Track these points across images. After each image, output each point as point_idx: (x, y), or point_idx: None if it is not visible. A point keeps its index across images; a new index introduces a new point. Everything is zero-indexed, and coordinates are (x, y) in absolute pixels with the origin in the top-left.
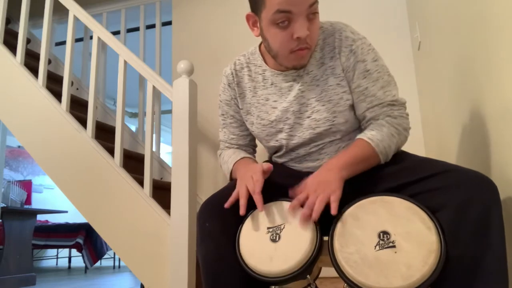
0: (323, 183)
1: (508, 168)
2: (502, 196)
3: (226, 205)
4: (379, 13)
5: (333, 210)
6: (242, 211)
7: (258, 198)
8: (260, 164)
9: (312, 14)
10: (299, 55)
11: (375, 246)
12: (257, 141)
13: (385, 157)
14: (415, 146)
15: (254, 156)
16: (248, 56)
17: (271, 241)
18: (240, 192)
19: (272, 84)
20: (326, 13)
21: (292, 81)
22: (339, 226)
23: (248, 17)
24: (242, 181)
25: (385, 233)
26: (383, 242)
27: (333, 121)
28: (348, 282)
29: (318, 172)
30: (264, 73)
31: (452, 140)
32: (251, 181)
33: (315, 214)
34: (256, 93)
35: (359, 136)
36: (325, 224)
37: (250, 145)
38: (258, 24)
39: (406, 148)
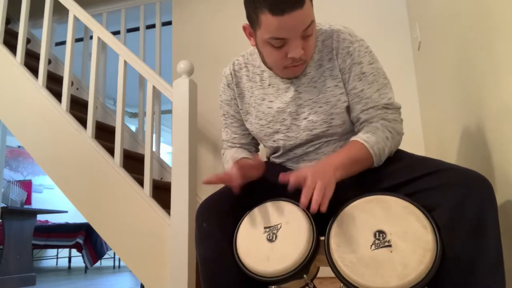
0: (320, 172)
1: (509, 168)
2: (503, 196)
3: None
4: (379, 13)
5: (324, 207)
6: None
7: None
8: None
9: (307, 36)
10: (293, 70)
11: (371, 246)
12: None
13: (378, 160)
14: (415, 146)
15: (257, 155)
16: (247, 57)
17: (268, 241)
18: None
19: (269, 84)
20: (326, 14)
21: (289, 83)
22: (335, 225)
23: (244, 28)
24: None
25: (381, 232)
26: (379, 241)
27: (330, 123)
28: (344, 282)
29: (314, 164)
30: (262, 74)
31: (453, 140)
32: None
33: (315, 205)
34: (253, 93)
35: (354, 138)
36: (322, 223)
37: (252, 143)
38: (254, 36)
39: (406, 148)
